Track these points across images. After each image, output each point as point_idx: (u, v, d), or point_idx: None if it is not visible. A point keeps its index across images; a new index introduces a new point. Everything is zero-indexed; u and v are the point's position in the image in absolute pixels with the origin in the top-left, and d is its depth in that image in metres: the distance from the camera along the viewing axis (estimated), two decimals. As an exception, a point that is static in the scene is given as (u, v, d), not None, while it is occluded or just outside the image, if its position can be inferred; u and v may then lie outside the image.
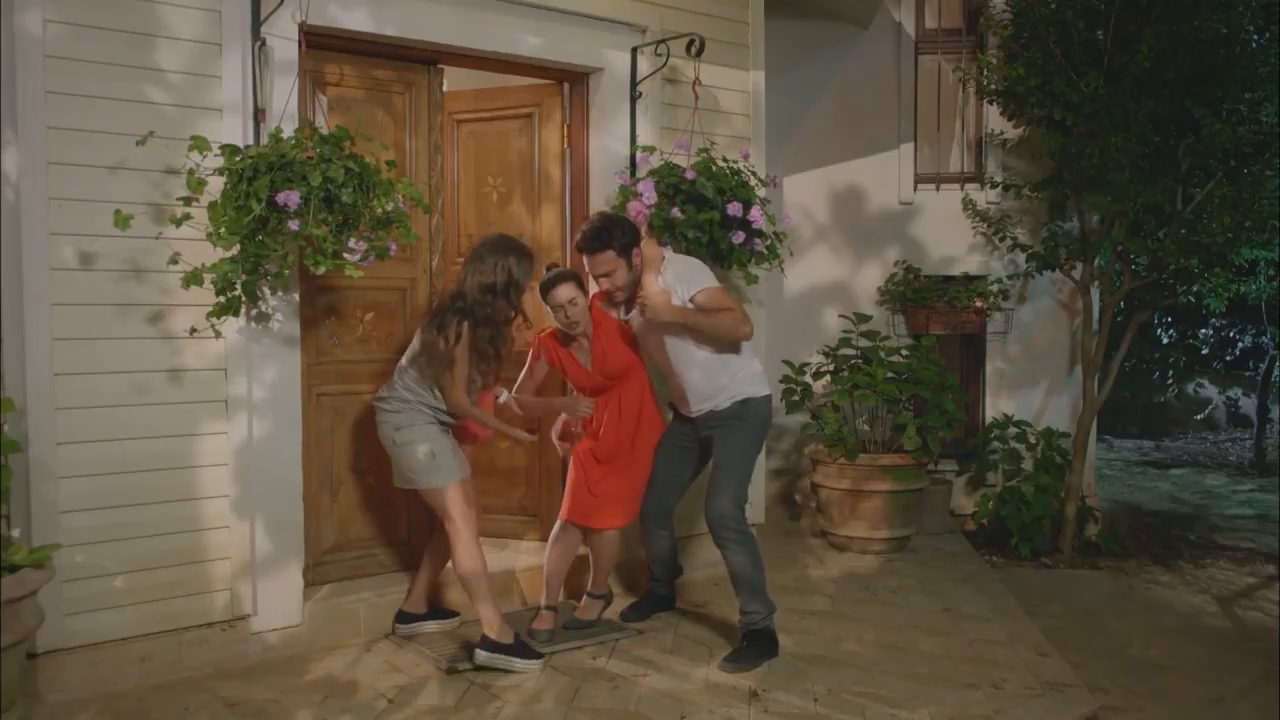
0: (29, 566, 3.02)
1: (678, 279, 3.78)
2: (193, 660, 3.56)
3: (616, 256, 3.77)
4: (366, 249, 3.33)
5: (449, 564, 3.80)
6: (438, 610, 4.06)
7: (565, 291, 3.84)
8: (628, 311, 3.95)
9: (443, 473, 3.61)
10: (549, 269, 3.99)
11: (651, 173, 4.24)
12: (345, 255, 3.28)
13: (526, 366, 4.06)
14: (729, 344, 3.83)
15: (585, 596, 4.15)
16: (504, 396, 3.89)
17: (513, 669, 3.58)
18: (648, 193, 4.13)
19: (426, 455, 3.59)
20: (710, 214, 4.13)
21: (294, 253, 3.42)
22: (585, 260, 3.83)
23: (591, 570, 4.13)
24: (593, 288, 4.01)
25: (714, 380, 3.84)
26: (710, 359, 3.83)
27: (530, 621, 3.99)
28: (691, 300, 3.74)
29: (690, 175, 4.16)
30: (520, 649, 3.64)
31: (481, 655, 3.60)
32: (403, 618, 3.97)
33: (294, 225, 3.15)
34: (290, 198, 3.11)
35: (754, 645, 3.79)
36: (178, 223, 3.25)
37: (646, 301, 3.73)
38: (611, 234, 3.77)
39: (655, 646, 3.94)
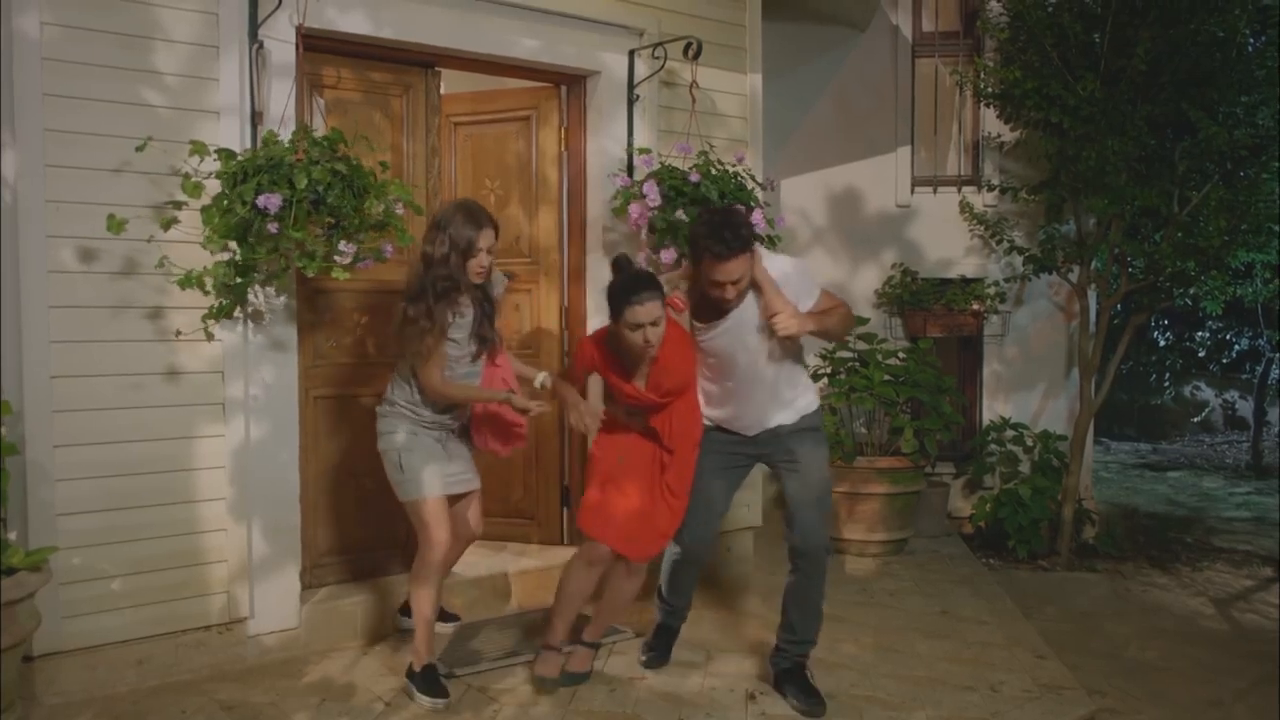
0: (26, 569, 3.01)
1: (798, 283, 3.22)
2: (190, 663, 3.55)
3: (750, 258, 3.10)
4: (356, 251, 3.32)
5: (450, 569, 3.74)
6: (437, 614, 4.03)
7: (653, 309, 3.02)
8: (708, 319, 3.27)
9: (410, 486, 3.38)
10: (618, 267, 3.21)
11: (653, 174, 4.23)
12: (335, 258, 3.28)
13: (570, 366, 3.57)
14: (799, 353, 3.43)
15: (578, 645, 3.59)
16: (542, 378, 3.47)
17: (414, 700, 3.35)
18: (652, 195, 4.04)
19: (393, 467, 3.44)
20: None
21: (286, 255, 3.41)
22: (716, 267, 3.04)
23: (596, 614, 3.60)
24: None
25: (785, 395, 3.38)
26: (785, 372, 3.36)
27: (533, 664, 3.57)
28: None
29: (695, 179, 4.13)
30: (425, 682, 3.36)
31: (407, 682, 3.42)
32: (406, 610, 3.87)
33: (273, 228, 3.14)
34: (270, 200, 3.11)
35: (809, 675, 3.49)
36: (166, 225, 3.26)
37: (784, 318, 3.08)
38: (746, 231, 3.07)
39: (653, 649, 3.93)
